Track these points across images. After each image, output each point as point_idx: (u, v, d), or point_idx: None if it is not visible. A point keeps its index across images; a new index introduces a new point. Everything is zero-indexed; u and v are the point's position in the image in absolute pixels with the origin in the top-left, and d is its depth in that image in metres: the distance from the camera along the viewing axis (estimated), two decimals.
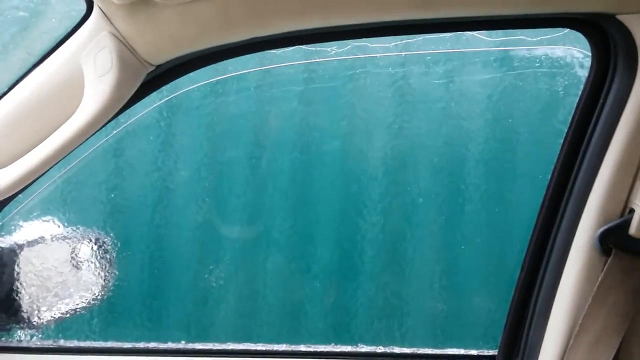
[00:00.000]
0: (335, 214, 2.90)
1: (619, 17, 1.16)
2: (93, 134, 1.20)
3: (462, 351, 1.89)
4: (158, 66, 1.22)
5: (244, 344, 1.95)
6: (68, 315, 1.74)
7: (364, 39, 2.32)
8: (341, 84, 2.78)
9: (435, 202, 2.85)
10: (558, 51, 2.63)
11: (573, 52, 2.60)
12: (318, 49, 2.66)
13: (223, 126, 2.90)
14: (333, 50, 2.65)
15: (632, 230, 1.30)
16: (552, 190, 1.44)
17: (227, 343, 1.98)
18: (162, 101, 2.77)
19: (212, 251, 2.99)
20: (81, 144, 1.20)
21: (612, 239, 1.32)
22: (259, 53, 1.29)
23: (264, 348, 1.92)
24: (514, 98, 2.77)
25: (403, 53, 2.69)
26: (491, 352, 1.77)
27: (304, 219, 2.92)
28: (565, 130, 1.39)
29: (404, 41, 2.63)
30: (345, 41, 2.56)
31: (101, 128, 1.21)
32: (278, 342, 1.96)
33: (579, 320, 1.37)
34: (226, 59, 1.27)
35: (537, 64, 2.69)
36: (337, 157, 2.87)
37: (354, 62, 2.73)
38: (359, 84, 2.79)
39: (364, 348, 2.02)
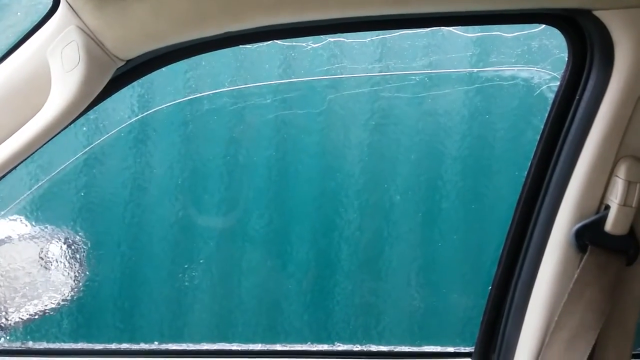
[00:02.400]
0: (312, 211, 2.89)
1: (595, 12, 1.17)
2: (60, 131, 1.17)
3: (438, 348, 1.90)
4: (128, 61, 1.19)
5: (219, 343, 1.93)
6: (37, 317, 1.71)
7: (339, 34, 2.31)
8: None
9: (412, 200, 2.85)
10: (524, 72, 2.65)
11: (540, 73, 2.63)
12: (293, 44, 2.63)
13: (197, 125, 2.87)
14: (309, 45, 2.63)
15: (608, 226, 1.31)
16: (529, 187, 1.44)
17: (202, 343, 1.96)
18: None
19: (185, 250, 2.96)
20: (48, 141, 1.17)
21: (588, 236, 1.33)
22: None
23: (239, 348, 1.90)
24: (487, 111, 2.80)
25: (380, 73, 2.69)
26: (468, 349, 1.78)
27: (281, 217, 2.90)
28: (542, 127, 1.40)
29: (380, 36, 2.62)
30: (321, 36, 2.54)
31: (69, 125, 1.17)
32: (254, 342, 1.95)
33: (555, 316, 1.38)
34: (199, 54, 1.25)
35: (505, 82, 2.71)
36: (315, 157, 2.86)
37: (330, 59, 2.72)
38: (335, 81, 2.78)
39: (340, 347, 2.02)
